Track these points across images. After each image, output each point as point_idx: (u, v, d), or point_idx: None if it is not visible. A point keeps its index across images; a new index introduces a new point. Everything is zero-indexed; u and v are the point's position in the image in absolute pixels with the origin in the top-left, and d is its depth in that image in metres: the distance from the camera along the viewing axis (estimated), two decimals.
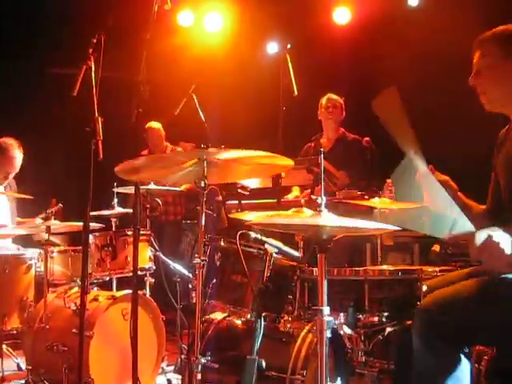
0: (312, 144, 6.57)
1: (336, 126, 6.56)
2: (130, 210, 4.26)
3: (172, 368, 5.10)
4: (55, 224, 4.99)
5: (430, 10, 7.60)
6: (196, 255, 3.40)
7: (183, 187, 6.72)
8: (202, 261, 3.38)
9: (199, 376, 3.33)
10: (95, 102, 3.75)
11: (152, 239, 5.23)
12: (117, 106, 4.81)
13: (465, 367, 2.84)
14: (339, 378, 3.62)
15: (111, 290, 5.18)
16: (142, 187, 5.16)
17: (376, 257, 4.88)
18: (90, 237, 4.86)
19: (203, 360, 3.36)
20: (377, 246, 4.86)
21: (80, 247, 4.74)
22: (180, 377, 4.85)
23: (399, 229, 2.98)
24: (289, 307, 3.81)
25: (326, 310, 2.75)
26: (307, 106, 6.63)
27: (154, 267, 5.22)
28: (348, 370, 3.76)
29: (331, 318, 2.77)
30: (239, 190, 4.98)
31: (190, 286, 3.93)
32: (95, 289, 5.14)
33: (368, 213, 4.89)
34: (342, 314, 3.85)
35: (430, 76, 7.27)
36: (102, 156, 3.62)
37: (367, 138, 6.36)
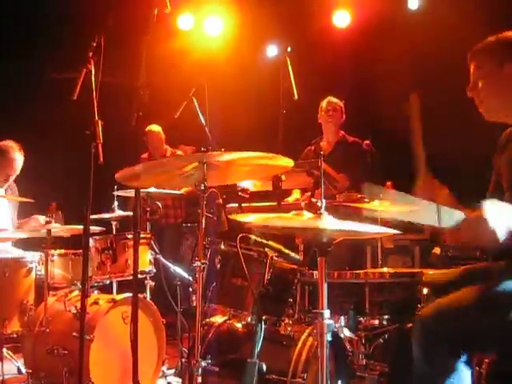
0: (312, 147, 6.57)
1: (336, 129, 6.55)
2: (131, 214, 4.26)
3: (172, 371, 5.09)
4: (56, 227, 4.99)
5: (430, 13, 7.61)
6: (196, 258, 3.41)
7: (183, 190, 6.72)
8: (203, 264, 3.39)
9: (200, 379, 3.33)
10: (95, 105, 3.75)
11: (152, 242, 5.23)
12: (117, 110, 4.82)
13: (465, 376, 2.83)
14: (340, 381, 3.62)
15: (111, 293, 5.19)
16: (142, 190, 5.16)
17: (376, 260, 4.87)
18: (91, 240, 4.86)
19: (204, 363, 3.36)
20: (377, 249, 4.86)
21: (80, 250, 4.74)
22: (180, 380, 4.85)
23: (399, 232, 2.98)
24: (289, 310, 3.81)
25: (327, 313, 2.75)
26: (307, 109, 6.63)
27: (155, 270, 5.22)
28: (349, 373, 3.75)
29: (332, 321, 2.77)
30: (239, 193, 4.98)
31: (191, 290, 3.93)
32: (95, 292, 5.14)
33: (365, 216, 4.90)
34: (342, 317, 3.85)
35: (430, 79, 7.27)
36: (102, 159, 3.62)
37: (367, 141, 6.36)
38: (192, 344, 3.51)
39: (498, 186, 3.29)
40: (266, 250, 3.82)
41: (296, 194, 6.34)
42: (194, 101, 5.47)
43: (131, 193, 5.15)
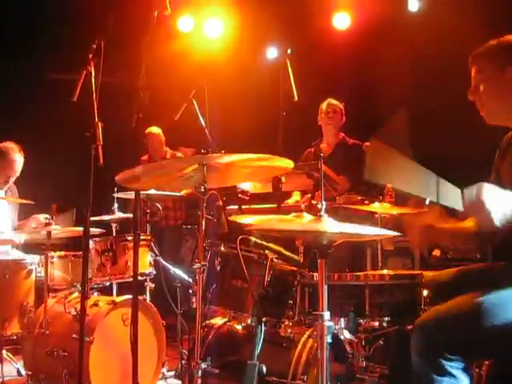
0: (312, 149, 6.58)
1: (336, 131, 6.56)
2: (131, 215, 4.26)
3: (172, 373, 5.09)
4: (56, 229, 4.99)
5: (431, 15, 7.60)
6: (196, 260, 3.41)
7: (183, 192, 6.72)
8: (203, 266, 3.39)
9: (200, 381, 3.33)
10: (95, 107, 3.75)
11: (152, 244, 5.23)
12: (117, 112, 4.82)
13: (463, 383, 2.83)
14: None
15: (111, 295, 5.19)
16: (142, 192, 5.16)
17: (376, 261, 4.87)
18: (91, 242, 4.86)
19: (204, 365, 3.37)
20: (377, 251, 4.86)
21: (80, 252, 4.73)
22: (180, 382, 4.84)
23: (400, 234, 2.98)
24: (289, 312, 3.81)
25: (327, 314, 2.75)
26: (307, 111, 6.64)
27: (155, 272, 5.22)
28: (348, 375, 3.75)
29: (332, 323, 2.77)
30: (239, 195, 4.99)
31: (191, 291, 3.93)
32: (95, 294, 5.14)
33: (368, 218, 4.90)
34: (342, 319, 3.85)
35: (430, 81, 7.28)
36: (102, 161, 3.62)
37: (367, 143, 6.35)
38: (192, 346, 3.51)
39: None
40: (266, 251, 3.82)
41: (296, 196, 6.34)
42: (194, 103, 5.47)
43: (131, 195, 5.15)
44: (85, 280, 3.77)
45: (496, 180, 3.33)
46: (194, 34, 8.77)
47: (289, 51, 5.54)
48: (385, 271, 4.54)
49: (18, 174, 6.14)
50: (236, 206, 5.31)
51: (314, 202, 4.61)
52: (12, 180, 6.15)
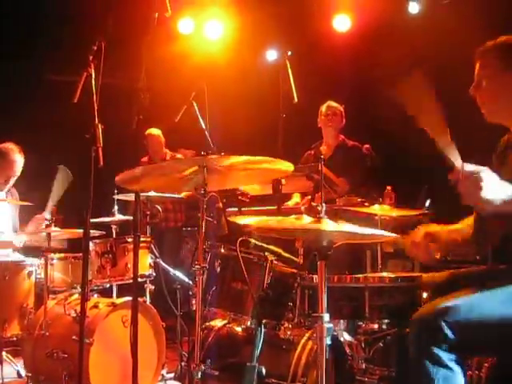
0: (312, 151, 6.58)
1: (336, 133, 6.56)
2: (131, 217, 4.26)
3: (172, 375, 5.09)
4: (56, 231, 4.99)
5: (431, 17, 7.61)
6: (196, 262, 3.41)
7: (183, 194, 6.72)
8: (202, 268, 3.39)
9: (199, 383, 3.33)
10: (95, 108, 3.75)
11: (152, 246, 5.23)
12: (117, 113, 4.82)
13: (460, 376, 2.82)
14: None
15: (111, 296, 5.19)
16: (142, 194, 5.16)
17: (376, 264, 4.88)
18: (91, 244, 4.86)
19: (203, 367, 3.36)
20: (377, 253, 4.86)
21: (80, 254, 4.74)
22: None
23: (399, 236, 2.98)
24: (289, 314, 3.81)
25: (326, 316, 2.75)
26: (307, 113, 6.64)
27: (154, 274, 5.22)
28: (348, 378, 3.75)
29: (331, 325, 2.77)
30: (239, 197, 4.99)
31: (190, 293, 3.94)
32: (95, 296, 5.15)
33: (368, 220, 4.90)
34: (342, 321, 3.85)
35: (430, 83, 7.27)
36: (102, 163, 3.62)
37: (367, 145, 6.36)
38: (192, 348, 3.51)
39: None
40: (266, 253, 3.82)
41: (296, 198, 6.34)
42: (194, 105, 5.47)
43: (131, 196, 5.15)
44: (85, 282, 3.77)
45: None
46: (195, 36, 8.77)
47: (289, 53, 5.53)
48: (384, 273, 4.53)
49: (18, 174, 6.14)
50: (236, 208, 5.31)
51: (313, 203, 4.61)
52: (12, 180, 6.15)
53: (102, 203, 5.30)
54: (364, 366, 3.92)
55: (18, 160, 6.07)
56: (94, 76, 3.82)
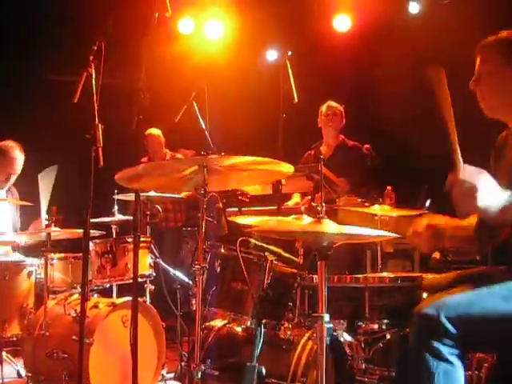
0: (312, 151, 6.58)
1: (336, 133, 6.56)
2: (131, 217, 4.26)
3: (172, 375, 5.08)
4: (56, 231, 4.99)
5: (431, 17, 7.61)
6: (196, 262, 3.41)
7: (183, 194, 6.72)
8: (202, 268, 3.39)
9: (199, 383, 3.33)
10: (95, 108, 3.75)
11: (152, 246, 5.23)
12: (117, 113, 4.82)
13: (460, 370, 2.82)
14: None
15: (111, 296, 5.19)
16: (142, 194, 5.16)
17: (376, 264, 4.87)
18: (91, 244, 4.86)
19: (203, 367, 3.36)
20: (377, 253, 4.85)
21: (80, 254, 4.73)
22: None
23: (399, 236, 2.98)
24: (289, 314, 3.81)
25: (326, 317, 2.75)
26: (307, 113, 6.64)
27: (154, 274, 5.22)
28: (348, 378, 3.75)
29: (331, 325, 2.77)
30: (239, 197, 4.99)
31: (190, 293, 3.94)
32: (95, 296, 5.14)
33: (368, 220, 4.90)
34: (342, 321, 3.85)
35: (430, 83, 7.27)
36: (102, 163, 3.62)
37: (367, 146, 6.36)
38: (192, 348, 3.51)
39: None
40: (266, 253, 3.82)
41: (296, 198, 6.35)
42: (194, 105, 5.47)
43: (131, 196, 5.15)
44: (85, 282, 3.77)
45: None
46: (195, 36, 8.77)
47: (289, 53, 5.53)
48: (384, 273, 4.54)
49: (18, 172, 6.13)
50: (236, 208, 5.31)
51: (313, 204, 4.61)
52: (13, 178, 6.14)
53: (102, 203, 5.30)
54: (364, 366, 3.92)
55: (19, 157, 6.07)
56: (94, 76, 3.82)
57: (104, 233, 5.34)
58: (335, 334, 3.72)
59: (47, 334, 4.68)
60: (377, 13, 7.65)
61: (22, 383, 5.14)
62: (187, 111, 5.48)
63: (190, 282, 4.33)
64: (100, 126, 3.69)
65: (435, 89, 2.98)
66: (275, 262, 3.81)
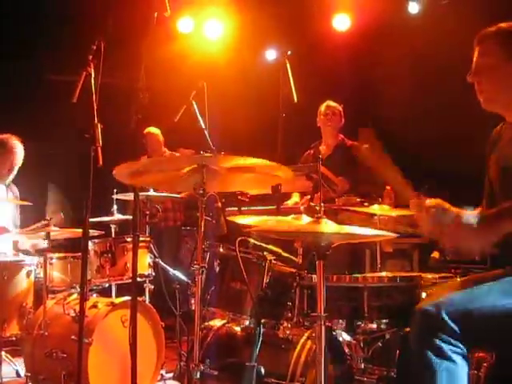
0: (311, 151, 6.57)
1: (335, 132, 6.56)
2: (130, 217, 4.26)
3: (171, 375, 5.09)
4: (55, 230, 4.99)
5: (431, 17, 7.61)
6: (195, 262, 3.41)
7: (183, 194, 6.72)
8: (201, 267, 3.39)
9: (198, 383, 3.33)
10: (95, 108, 3.75)
11: (151, 246, 5.23)
12: (116, 113, 4.82)
13: (462, 369, 2.82)
14: None
15: (110, 296, 5.18)
16: (141, 194, 5.16)
17: (375, 263, 4.87)
18: (90, 243, 4.86)
19: (202, 367, 3.36)
20: (376, 253, 4.86)
21: (79, 254, 4.73)
22: (179, 383, 4.85)
23: (398, 236, 2.98)
24: (288, 314, 3.81)
25: (325, 316, 2.75)
26: (307, 112, 6.64)
27: (154, 274, 5.22)
28: (347, 377, 3.75)
29: (330, 325, 2.77)
30: (239, 197, 4.99)
31: (190, 293, 3.93)
32: (94, 295, 5.15)
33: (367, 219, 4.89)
34: (341, 321, 3.84)
35: (429, 82, 7.28)
36: (101, 162, 3.62)
37: (366, 145, 6.35)
38: (191, 347, 3.50)
39: (491, 188, 3.27)
40: (265, 253, 3.82)
41: (295, 198, 6.35)
42: (194, 104, 5.46)
43: (130, 196, 5.15)
44: (84, 281, 3.77)
45: (489, 180, 3.31)
46: (194, 36, 8.77)
47: (288, 53, 5.53)
48: (383, 273, 4.54)
49: (20, 162, 6.11)
50: (235, 208, 5.31)
51: (313, 203, 4.61)
52: (15, 170, 6.12)
53: (102, 203, 5.30)
54: (363, 365, 3.91)
55: (18, 147, 6.07)
56: (93, 76, 3.82)
57: (103, 232, 5.34)
58: (334, 333, 3.72)
59: (46, 333, 4.68)
60: (376, 12, 7.65)
61: (21, 383, 5.14)
62: (186, 111, 5.47)
63: (189, 282, 4.33)
64: (99, 125, 3.69)
65: (368, 163, 3.02)
66: (274, 262, 3.80)
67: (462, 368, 2.80)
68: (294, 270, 3.86)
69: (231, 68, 8.24)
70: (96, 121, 3.70)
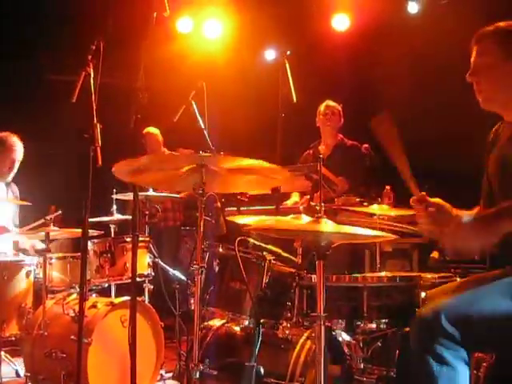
0: (311, 151, 6.57)
1: (334, 132, 6.56)
2: (129, 217, 4.26)
3: (171, 375, 5.09)
4: (54, 230, 4.98)
5: (430, 16, 7.61)
6: (194, 262, 3.41)
7: (182, 194, 6.72)
8: (201, 267, 3.39)
9: (198, 383, 3.33)
10: (94, 108, 3.75)
11: (151, 246, 5.23)
12: (115, 113, 4.82)
13: (464, 375, 2.81)
14: None
15: (110, 296, 5.18)
16: (140, 194, 5.16)
17: (375, 263, 4.87)
18: (89, 243, 4.86)
19: (202, 367, 3.37)
20: (376, 253, 4.85)
21: (79, 254, 4.73)
22: (178, 383, 4.85)
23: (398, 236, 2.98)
24: (287, 314, 3.81)
25: (325, 316, 2.75)
26: (306, 112, 6.64)
27: (153, 274, 5.22)
28: (346, 377, 3.75)
29: (330, 325, 2.77)
30: (238, 197, 4.99)
31: (189, 293, 3.93)
32: (94, 295, 5.14)
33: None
34: (340, 321, 3.84)
35: (429, 82, 7.28)
36: (100, 162, 3.62)
37: (366, 145, 6.35)
38: (190, 347, 3.50)
39: (490, 187, 3.27)
40: (265, 253, 3.82)
41: (295, 197, 6.35)
42: (193, 104, 5.46)
43: (130, 196, 5.15)
44: (83, 281, 3.77)
45: (488, 180, 3.31)
46: (193, 35, 8.77)
47: (288, 52, 5.52)
48: (383, 273, 4.54)
49: (20, 158, 6.11)
50: (234, 208, 5.31)
51: (312, 203, 4.61)
52: (16, 167, 6.11)
53: (101, 203, 5.29)
54: (362, 365, 3.92)
55: (17, 144, 6.07)
56: (92, 75, 3.82)
57: (103, 232, 5.33)
58: (333, 333, 3.72)
59: (46, 333, 4.68)
60: (376, 12, 7.65)
61: (20, 383, 5.13)
62: (186, 111, 5.47)
63: (189, 282, 4.33)
64: (98, 125, 3.69)
65: (381, 139, 3.00)
66: (274, 262, 3.80)
67: (463, 373, 2.79)
68: (293, 270, 3.86)
69: (230, 68, 8.24)
70: (95, 121, 3.70)
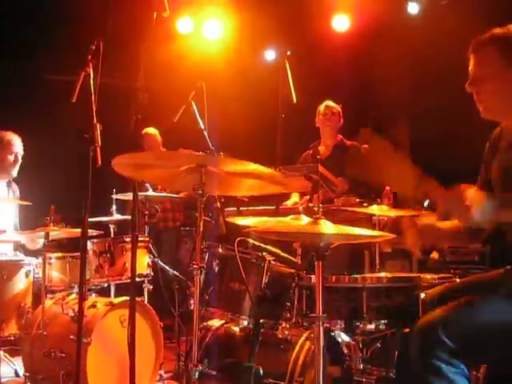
0: (310, 151, 6.58)
1: (334, 132, 6.56)
2: (129, 217, 4.26)
3: (170, 375, 5.09)
4: (54, 230, 4.98)
5: (430, 17, 7.61)
6: (194, 262, 3.41)
7: (182, 194, 6.72)
8: (200, 267, 3.39)
9: (197, 383, 3.33)
10: (94, 108, 3.75)
11: (150, 246, 5.23)
12: (115, 113, 4.82)
13: None
14: None
15: (109, 296, 5.18)
16: (140, 194, 5.16)
17: (374, 264, 4.87)
18: (88, 243, 4.86)
19: (201, 367, 3.37)
20: (375, 253, 4.86)
21: (78, 253, 4.74)
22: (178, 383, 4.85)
23: (398, 236, 2.98)
24: (287, 314, 3.80)
25: (324, 317, 2.75)
26: (306, 113, 6.64)
27: (152, 274, 5.22)
28: (346, 378, 3.75)
29: (329, 326, 2.77)
30: (238, 197, 4.99)
31: (188, 293, 3.93)
32: (93, 295, 5.14)
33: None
34: (339, 322, 3.84)
35: (429, 82, 7.28)
36: (100, 163, 3.62)
37: (365, 146, 6.35)
38: (189, 347, 3.51)
39: (486, 182, 3.26)
40: (264, 253, 3.82)
41: (295, 198, 6.35)
42: (193, 104, 5.46)
43: (129, 196, 5.14)
44: (82, 281, 3.76)
45: (485, 175, 3.30)
46: (193, 36, 8.77)
47: (288, 53, 5.53)
48: (382, 274, 4.54)
49: (21, 152, 6.10)
50: (234, 208, 5.31)
51: (311, 204, 4.61)
52: (19, 160, 6.09)
53: (101, 203, 5.29)
54: (362, 366, 3.91)
55: (15, 138, 6.07)
56: (92, 76, 3.82)
57: (102, 232, 5.33)
58: (333, 334, 3.72)
59: (45, 333, 4.68)
60: (376, 13, 7.65)
61: (19, 383, 5.13)
62: (186, 111, 5.47)
63: (188, 282, 4.33)
64: (98, 125, 3.69)
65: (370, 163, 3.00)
66: (273, 262, 3.80)
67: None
68: (292, 271, 3.86)
69: (230, 68, 8.24)
70: (95, 121, 3.70)
